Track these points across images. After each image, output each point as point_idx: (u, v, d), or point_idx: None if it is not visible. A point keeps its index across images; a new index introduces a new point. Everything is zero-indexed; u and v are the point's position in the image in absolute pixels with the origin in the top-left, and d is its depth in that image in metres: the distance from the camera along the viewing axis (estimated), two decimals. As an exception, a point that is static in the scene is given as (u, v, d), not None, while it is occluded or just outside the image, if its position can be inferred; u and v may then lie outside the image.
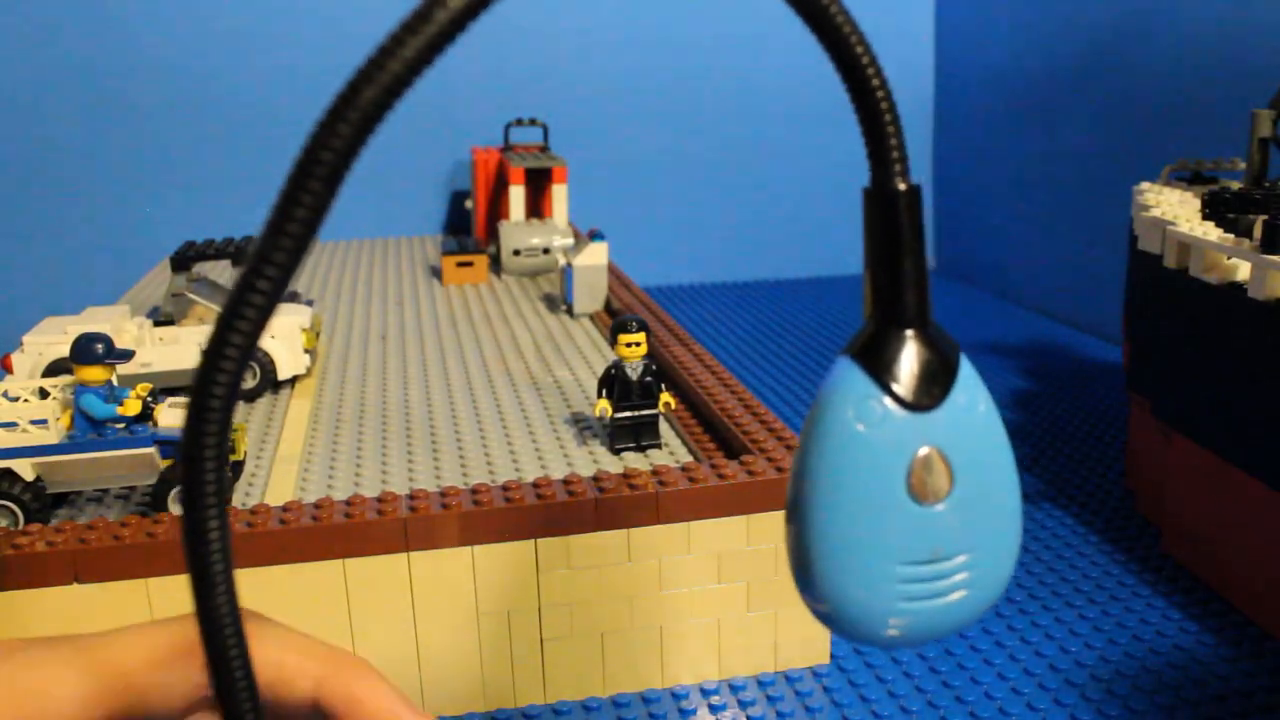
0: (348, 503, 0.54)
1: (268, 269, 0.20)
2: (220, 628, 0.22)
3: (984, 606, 0.29)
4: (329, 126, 0.21)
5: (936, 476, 0.28)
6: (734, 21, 1.48)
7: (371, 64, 0.21)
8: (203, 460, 0.21)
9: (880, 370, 0.28)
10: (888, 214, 0.28)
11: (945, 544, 0.28)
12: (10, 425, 0.56)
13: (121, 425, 0.58)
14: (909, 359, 0.29)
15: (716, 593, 0.58)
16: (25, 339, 0.74)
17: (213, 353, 0.21)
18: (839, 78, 0.28)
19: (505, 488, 0.55)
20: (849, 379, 0.29)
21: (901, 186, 0.28)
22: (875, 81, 0.27)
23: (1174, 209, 0.74)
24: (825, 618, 0.30)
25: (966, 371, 0.29)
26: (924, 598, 0.29)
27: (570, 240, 1.14)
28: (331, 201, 0.21)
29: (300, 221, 0.20)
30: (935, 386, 0.28)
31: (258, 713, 0.23)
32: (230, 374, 0.20)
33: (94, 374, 0.58)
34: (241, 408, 0.74)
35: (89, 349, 0.57)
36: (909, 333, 0.29)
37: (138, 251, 1.31)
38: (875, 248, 0.29)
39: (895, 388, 0.28)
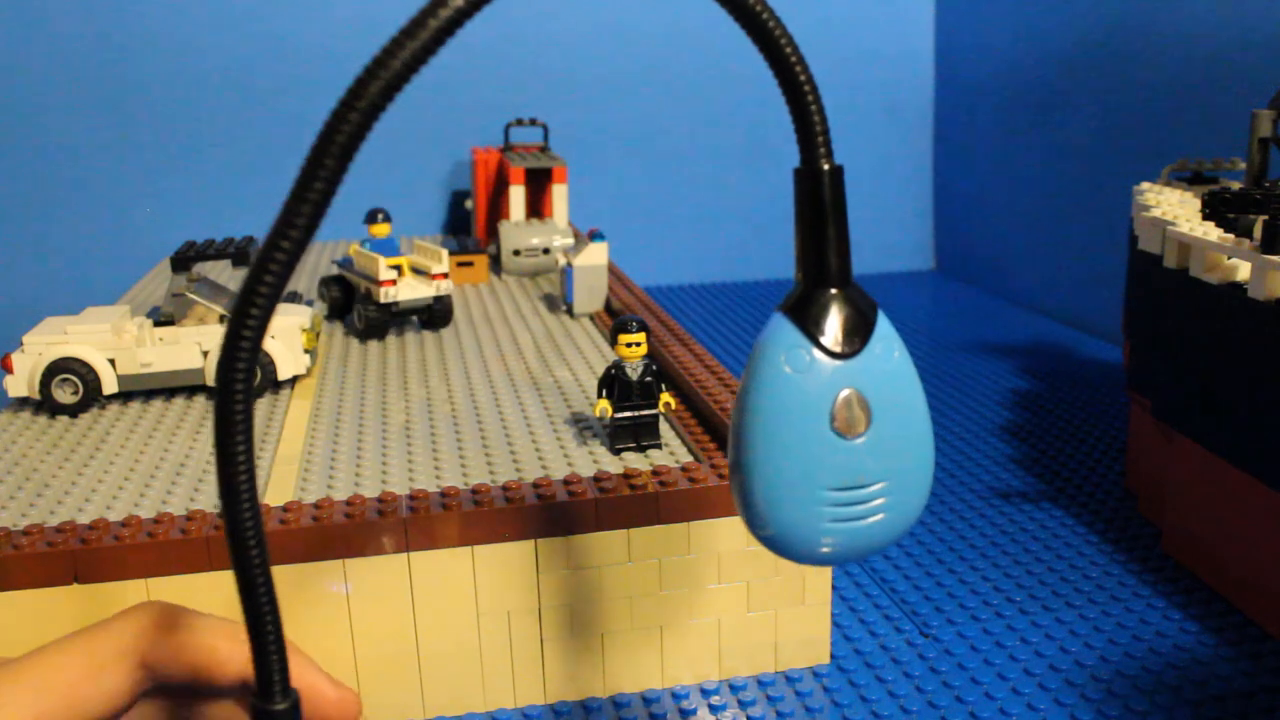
0: (348, 503, 0.54)
1: (297, 218, 0.26)
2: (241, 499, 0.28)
3: (902, 528, 0.34)
4: (341, 114, 0.26)
5: (856, 414, 0.33)
6: (734, 22, 1.47)
7: (377, 62, 0.26)
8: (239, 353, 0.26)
9: (808, 324, 0.33)
10: (814, 190, 0.33)
11: (865, 472, 0.33)
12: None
13: None
14: (833, 314, 0.33)
15: (716, 593, 0.58)
16: (25, 339, 0.74)
17: (262, 259, 0.26)
18: (772, 73, 0.32)
19: (505, 488, 0.55)
20: (781, 331, 0.33)
21: (826, 166, 0.32)
22: (802, 77, 0.31)
23: (1174, 209, 0.74)
24: (769, 541, 0.34)
25: (883, 326, 0.33)
26: (849, 519, 0.33)
27: (570, 240, 1.14)
28: (343, 174, 0.26)
29: (318, 190, 0.26)
30: (855, 338, 0.33)
31: (262, 545, 0.29)
32: (277, 277, 0.26)
33: (382, 230, 1.02)
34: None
35: (373, 215, 1.02)
36: (833, 292, 0.33)
37: (138, 251, 1.31)
38: (804, 219, 0.33)
39: (821, 339, 0.33)
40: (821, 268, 0.33)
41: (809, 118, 0.32)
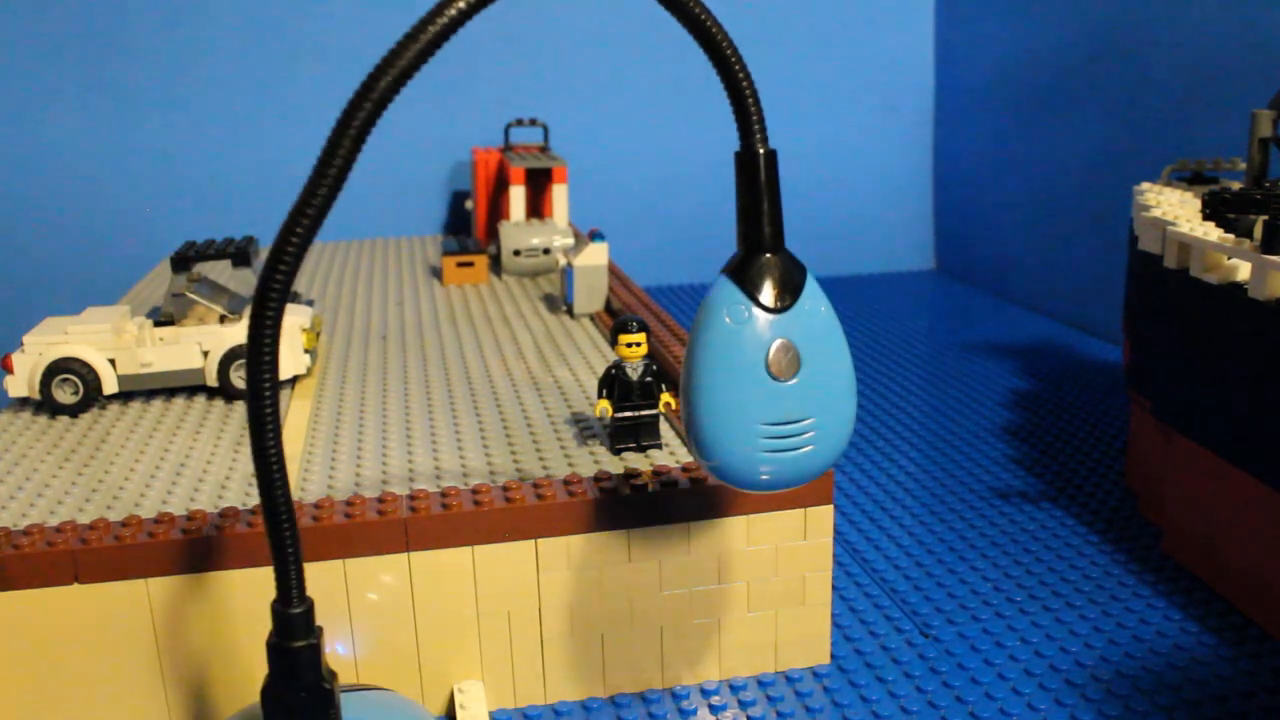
0: (348, 503, 0.54)
1: (319, 189, 0.30)
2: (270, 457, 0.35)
3: (829, 458, 0.40)
4: (355, 106, 0.29)
5: (788, 360, 0.39)
6: (735, 22, 1.47)
7: (386, 61, 0.29)
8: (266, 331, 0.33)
9: (747, 283, 0.39)
10: (752, 170, 0.39)
11: (795, 410, 0.39)
12: None
13: None
14: (768, 275, 0.39)
15: (716, 593, 0.58)
16: (25, 339, 0.74)
17: (285, 232, 0.31)
18: (714, 69, 0.37)
19: (505, 488, 0.55)
20: (724, 290, 0.40)
21: (762, 150, 0.38)
22: (739, 70, 0.37)
23: (1174, 209, 0.74)
24: (715, 471, 0.40)
25: (811, 285, 0.40)
26: (782, 450, 0.39)
27: (570, 240, 1.14)
28: (355, 158, 0.30)
29: (335, 171, 0.30)
30: (787, 295, 0.39)
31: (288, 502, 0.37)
32: (297, 249, 0.31)
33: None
34: (241, 406, 0.74)
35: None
36: (768, 256, 0.40)
37: (138, 251, 1.31)
38: (743, 195, 0.39)
39: (758, 296, 0.39)
40: (758, 236, 0.39)
41: (746, 107, 0.37)
